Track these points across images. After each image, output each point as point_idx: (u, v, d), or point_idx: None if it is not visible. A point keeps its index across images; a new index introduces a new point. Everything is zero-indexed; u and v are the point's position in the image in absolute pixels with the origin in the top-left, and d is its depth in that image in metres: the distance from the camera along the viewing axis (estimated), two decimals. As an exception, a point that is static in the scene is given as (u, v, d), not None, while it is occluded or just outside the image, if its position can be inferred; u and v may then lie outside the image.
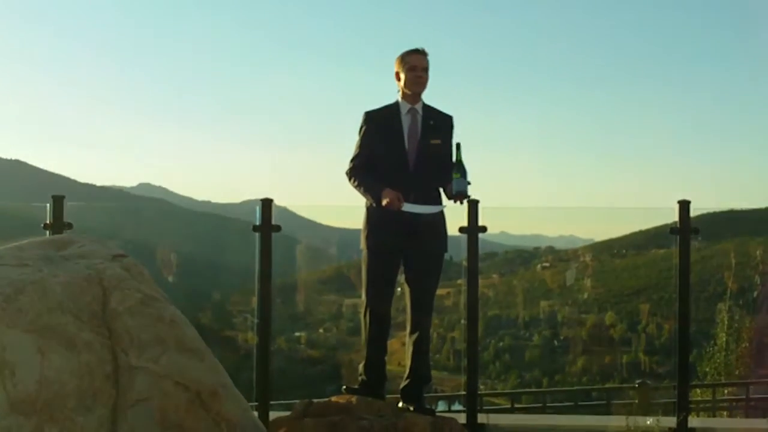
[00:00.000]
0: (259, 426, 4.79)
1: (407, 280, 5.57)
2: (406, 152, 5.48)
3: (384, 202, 5.30)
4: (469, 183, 5.37)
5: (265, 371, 6.26)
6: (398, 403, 5.52)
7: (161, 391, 4.24)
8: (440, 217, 5.60)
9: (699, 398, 12.77)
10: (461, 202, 5.45)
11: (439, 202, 5.55)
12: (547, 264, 47.42)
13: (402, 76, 5.55)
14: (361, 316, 5.65)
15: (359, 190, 5.52)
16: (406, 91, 5.55)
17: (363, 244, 5.59)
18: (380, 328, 5.57)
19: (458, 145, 5.43)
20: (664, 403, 8.62)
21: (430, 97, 5.62)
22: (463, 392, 6.52)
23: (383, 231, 5.45)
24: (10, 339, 3.99)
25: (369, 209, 5.54)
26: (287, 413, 5.21)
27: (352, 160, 5.58)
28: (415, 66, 5.51)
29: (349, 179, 5.57)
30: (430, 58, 5.57)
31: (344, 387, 5.59)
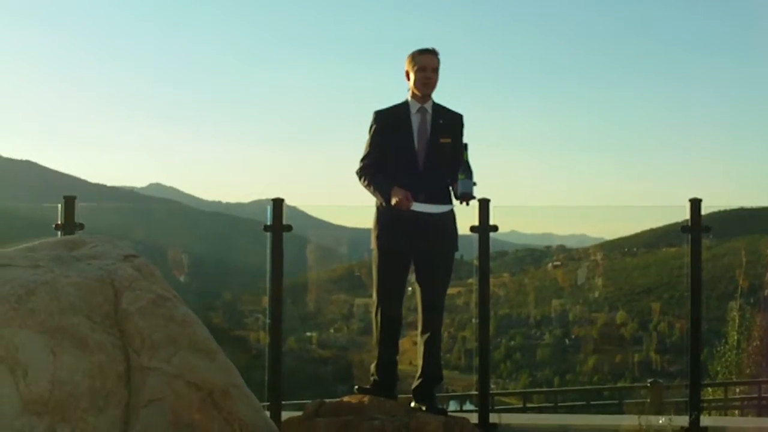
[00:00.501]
0: (271, 426, 4.79)
1: (418, 280, 5.55)
2: (416, 151, 5.46)
3: (393, 202, 5.29)
4: (474, 184, 5.35)
5: (277, 371, 6.26)
6: (410, 402, 5.51)
7: (173, 391, 4.24)
8: (450, 216, 5.58)
9: (711, 397, 12.76)
10: (467, 203, 5.43)
11: (449, 201, 5.53)
12: (558, 263, 47.39)
13: (411, 76, 5.54)
14: (372, 315, 5.64)
15: (369, 190, 5.51)
16: (415, 91, 5.54)
17: (373, 244, 5.58)
18: (391, 327, 5.55)
19: (465, 146, 5.42)
20: (675, 402, 8.61)
21: (441, 95, 5.62)
22: (475, 392, 6.50)
23: (393, 231, 5.44)
24: (22, 339, 4.00)
25: (379, 209, 5.53)
26: (299, 413, 5.21)
27: (362, 160, 5.57)
28: (424, 67, 5.49)
29: (360, 179, 5.57)
30: (441, 56, 5.55)
31: (356, 387, 5.57)
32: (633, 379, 31.40)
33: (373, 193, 5.48)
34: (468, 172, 5.31)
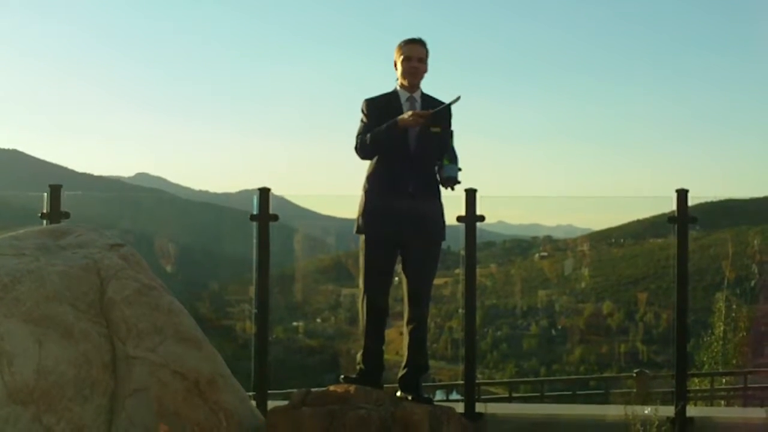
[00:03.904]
0: (257, 415, 4.80)
1: (405, 270, 5.55)
2: (408, 139, 5.46)
3: (405, 121, 5.28)
4: (459, 170, 5.36)
5: (263, 361, 6.25)
6: (396, 392, 5.51)
7: (159, 381, 4.24)
8: (439, 205, 5.58)
9: (697, 387, 12.80)
10: (452, 189, 5.44)
11: (439, 190, 5.53)
12: (545, 253, 47.60)
13: (399, 65, 5.54)
14: (359, 305, 5.63)
15: (377, 143, 5.41)
16: (402, 81, 5.54)
17: (360, 231, 5.54)
18: (378, 317, 5.55)
19: (451, 133, 5.43)
20: (662, 392, 8.63)
21: (430, 83, 5.61)
22: (461, 381, 6.50)
23: (381, 219, 5.43)
24: (7, 328, 3.99)
25: (366, 193, 5.51)
26: (285, 402, 5.20)
27: (357, 136, 5.53)
28: (409, 57, 5.49)
29: (360, 149, 5.48)
30: (429, 45, 5.55)
31: (342, 376, 5.57)
32: (619, 369, 31.54)
33: (381, 139, 5.41)
34: (453, 157, 5.34)
